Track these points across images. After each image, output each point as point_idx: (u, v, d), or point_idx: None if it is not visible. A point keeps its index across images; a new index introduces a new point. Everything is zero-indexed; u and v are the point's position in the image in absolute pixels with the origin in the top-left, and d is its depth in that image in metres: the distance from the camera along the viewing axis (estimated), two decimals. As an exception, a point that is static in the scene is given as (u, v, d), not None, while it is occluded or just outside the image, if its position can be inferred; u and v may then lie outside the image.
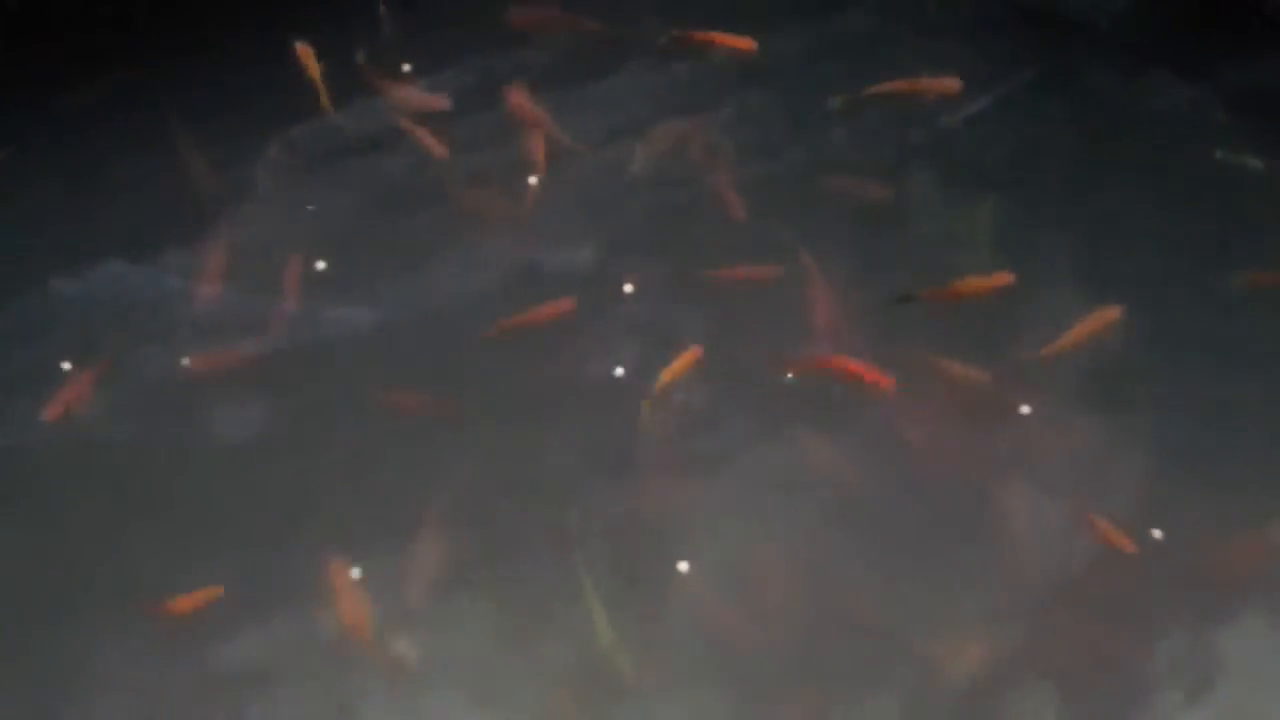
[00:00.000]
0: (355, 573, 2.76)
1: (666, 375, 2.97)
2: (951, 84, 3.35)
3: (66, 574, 2.76)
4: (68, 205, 3.24)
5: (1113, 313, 3.04)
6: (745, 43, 3.42)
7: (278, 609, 2.74)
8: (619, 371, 3.03)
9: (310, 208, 3.28)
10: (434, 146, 3.29)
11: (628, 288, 3.16)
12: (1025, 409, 2.97)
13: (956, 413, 2.98)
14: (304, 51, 3.36)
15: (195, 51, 3.41)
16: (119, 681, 2.67)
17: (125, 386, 2.99)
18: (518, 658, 2.71)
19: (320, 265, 3.15)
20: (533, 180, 3.30)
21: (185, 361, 3.02)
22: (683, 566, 2.81)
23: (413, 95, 3.43)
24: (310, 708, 2.66)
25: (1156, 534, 2.82)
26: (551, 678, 2.69)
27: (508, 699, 2.67)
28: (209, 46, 3.41)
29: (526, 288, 3.13)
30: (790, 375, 3.01)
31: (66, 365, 3.01)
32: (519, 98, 3.39)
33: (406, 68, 3.51)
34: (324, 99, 3.33)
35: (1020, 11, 3.59)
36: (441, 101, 3.40)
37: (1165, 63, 3.47)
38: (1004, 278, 3.04)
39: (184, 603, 2.71)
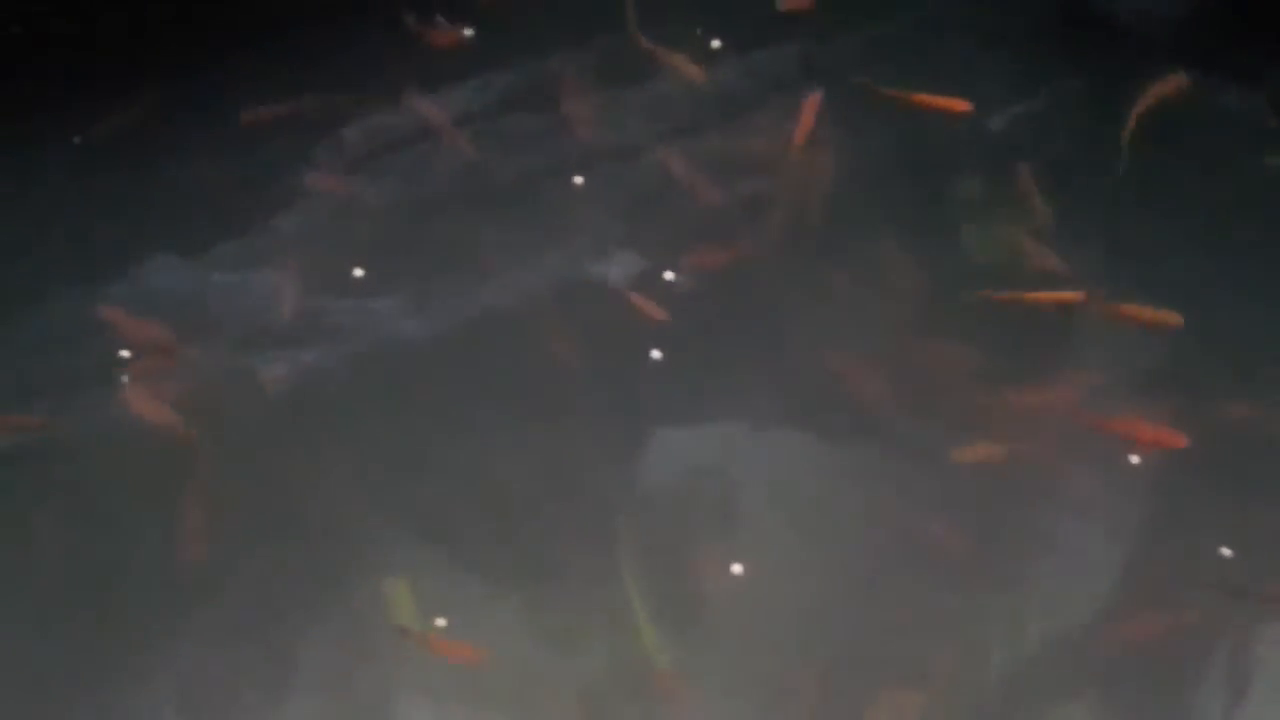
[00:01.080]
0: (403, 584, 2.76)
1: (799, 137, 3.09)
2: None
3: (109, 559, 2.77)
4: (118, 207, 3.25)
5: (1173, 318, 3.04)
6: (959, 104, 3.35)
7: (323, 611, 2.74)
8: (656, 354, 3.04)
9: (357, 209, 3.28)
10: (464, 147, 3.27)
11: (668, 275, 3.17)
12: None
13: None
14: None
15: (246, 50, 3.42)
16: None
17: (172, 386, 2.99)
18: (558, 663, 2.71)
19: (359, 271, 3.15)
20: (578, 180, 3.29)
21: (228, 365, 3.02)
22: (737, 569, 2.80)
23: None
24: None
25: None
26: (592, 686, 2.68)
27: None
28: (260, 46, 3.42)
29: (573, 289, 3.14)
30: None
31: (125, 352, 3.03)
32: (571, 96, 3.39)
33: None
34: None
35: (1069, 19, 3.59)
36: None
37: (1214, 69, 3.45)
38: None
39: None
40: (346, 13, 3.48)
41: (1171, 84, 3.36)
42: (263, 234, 3.22)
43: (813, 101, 3.34)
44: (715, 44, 3.52)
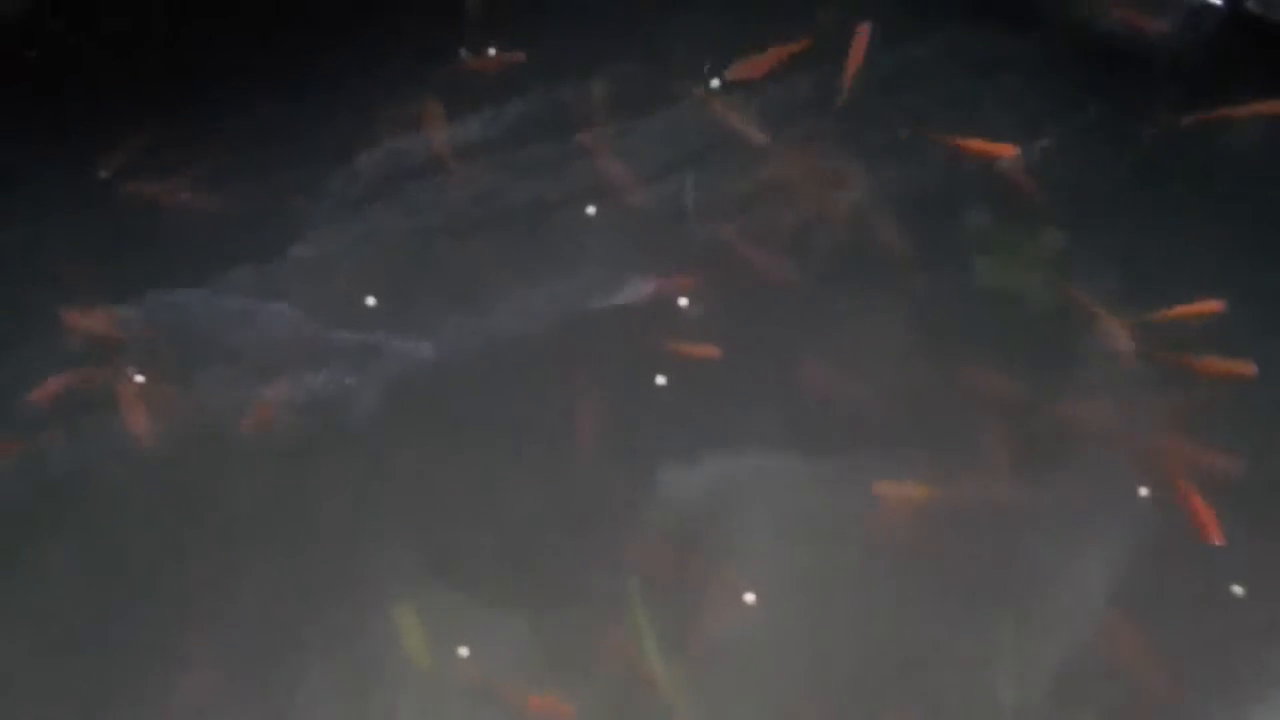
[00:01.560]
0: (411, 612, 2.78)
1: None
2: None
3: (122, 592, 2.79)
4: (134, 233, 3.28)
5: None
6: (1005, 149, 3.35)
7: (330, 639, 2.76)
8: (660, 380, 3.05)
9: (370, 237, 3.30)
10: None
11: (682, 301, 3.18)
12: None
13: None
14: None
15: (256, 81, 3.44)
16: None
17: (182, 413, 3.02)
18: (565, 691, 2.71)
19: (372, 299, 3.17)
20: (591, 210, 3.31)
21: (241, 391, 3.04)
22: (749, 598, 2.79)
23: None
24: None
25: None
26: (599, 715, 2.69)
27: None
28: (270, 76, 3.45)
29: (585, 317, 3.15)
30: None
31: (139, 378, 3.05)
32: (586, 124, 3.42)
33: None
34: None
35: (1082, 47, 3.58)
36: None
37: (1229, 102, 3.45)
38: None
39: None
40: (365, 42, 3.51)
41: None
42: (276, 262, 3.24)
43: (862, 37, 3.38)
44: (715, 83, 3.52)
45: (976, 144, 3.37)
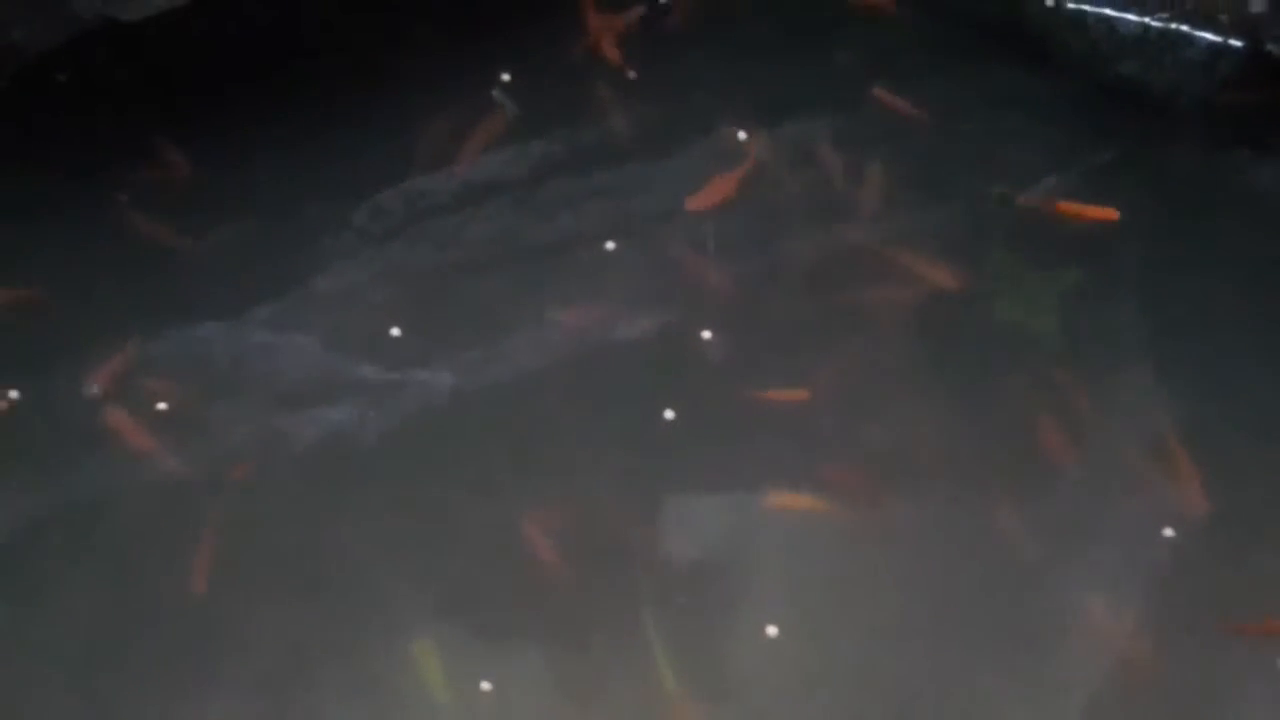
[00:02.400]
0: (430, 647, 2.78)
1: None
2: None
3: (139, 625, 2.80)
4: (154, 267, 3.30)
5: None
6: (1107, 213, 3.33)
7: (349, 674, 2.76)
8: (669, 414, 3.06)
9: (392, 271, 3.32)
10: None
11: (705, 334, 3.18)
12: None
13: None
14: None
15: (281, 117, 3.48)
16: None
17: (203, 445, 3.03)
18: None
19: (395, 331, 3.18)
20: (610, 245, 3.33)
21: (265, 423, 3.05)
22: (772, 631, 2.80)
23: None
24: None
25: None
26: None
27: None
28: (295, 112, 3.48)
29: (606, 352, 3.17)
30: None
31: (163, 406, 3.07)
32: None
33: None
34: None
35: (1097, 89, 3.60)
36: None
37: (1248, 143, 3.47)
38: None
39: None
40: (391, 78, 3.55)
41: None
42: (298, 295, 3.25)
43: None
44: (741, 135, 3.54)
45: (1075, 208, 3.35)
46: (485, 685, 2.74)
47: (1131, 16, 3.61)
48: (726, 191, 3.40)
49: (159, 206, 3.36)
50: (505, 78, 3.63)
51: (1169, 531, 2.92)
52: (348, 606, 2.83)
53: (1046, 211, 3.35)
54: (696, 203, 3.38)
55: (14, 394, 3.08)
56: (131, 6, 3.24)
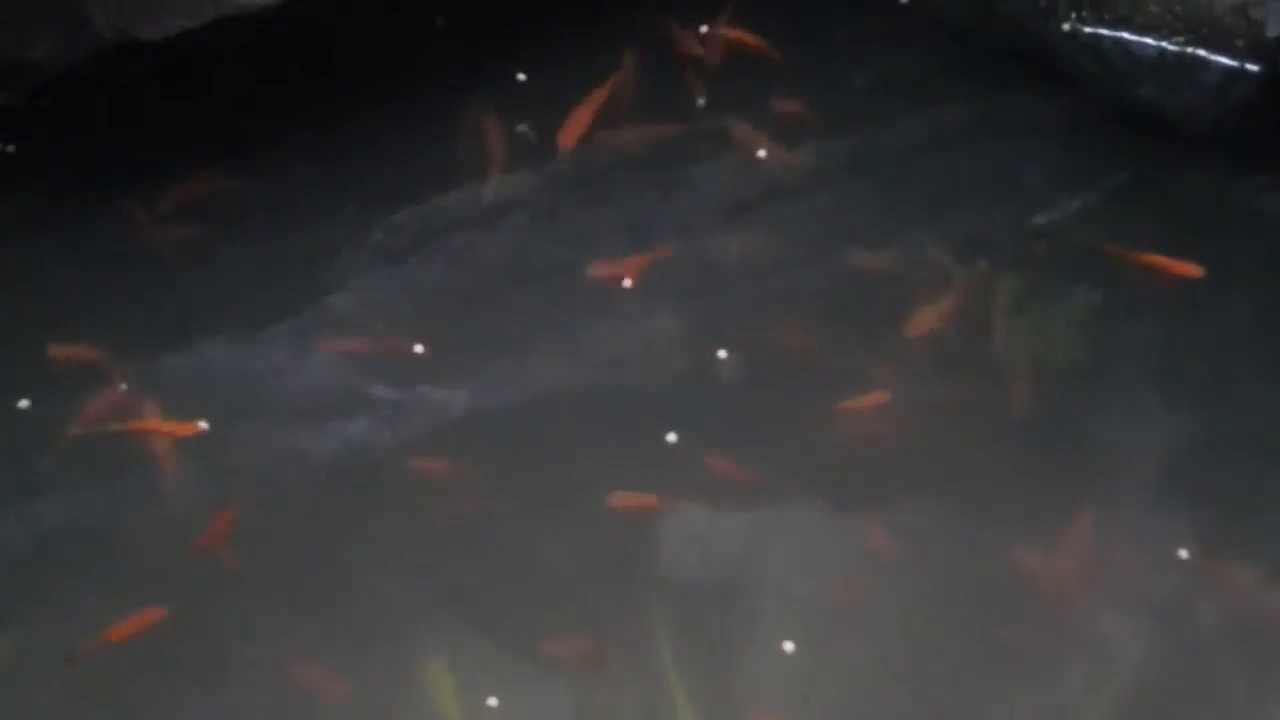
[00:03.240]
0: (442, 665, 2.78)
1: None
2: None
3: (153, 641, 2.79)
4: (173, 284, 3.32)
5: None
6: (1190, 269, 3.28)
7: (362, 687, 2.76)
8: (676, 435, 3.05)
9: (409, 290, 3.34)
10: None
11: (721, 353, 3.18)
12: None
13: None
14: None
15: (301, 135, 3.50)
16: None
17: (217, 460, 3.03)
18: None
19: (411, 349, 3.19)
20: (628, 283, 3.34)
21: (281, 441, 3.07)
22: (788, 646, 2.79)
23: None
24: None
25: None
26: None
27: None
28: (314, 130, 3.51)
29: (618, 372, 3.18)
30: None
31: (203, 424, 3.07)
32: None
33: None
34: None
35: (1114, 113, 3.60)
36: None
37: (1263, 166, 3.47)
38: None
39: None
40: (408, 97, 3.57)
41: None
42: (316, 313, 3.27)
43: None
44: (761, 154, 3.55)
45: (1158, 260, 3.31)
46: (492, 701, 2.74)
47: (1148, 41, 3.61)
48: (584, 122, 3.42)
49: (176, 223, 3.38)
50: (521, 76, 3.66)
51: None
52: (360, 623, 2.83)
53: (1126, 260, 3.32)
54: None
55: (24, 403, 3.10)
56: (151, 25, 3.26)
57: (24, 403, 3.10)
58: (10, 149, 3.47)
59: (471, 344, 3.22)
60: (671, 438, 3.06)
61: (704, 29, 3.72)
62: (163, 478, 3.01)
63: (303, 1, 3.35)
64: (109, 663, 2.77)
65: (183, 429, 3.04)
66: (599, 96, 3.53)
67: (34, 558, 2.91)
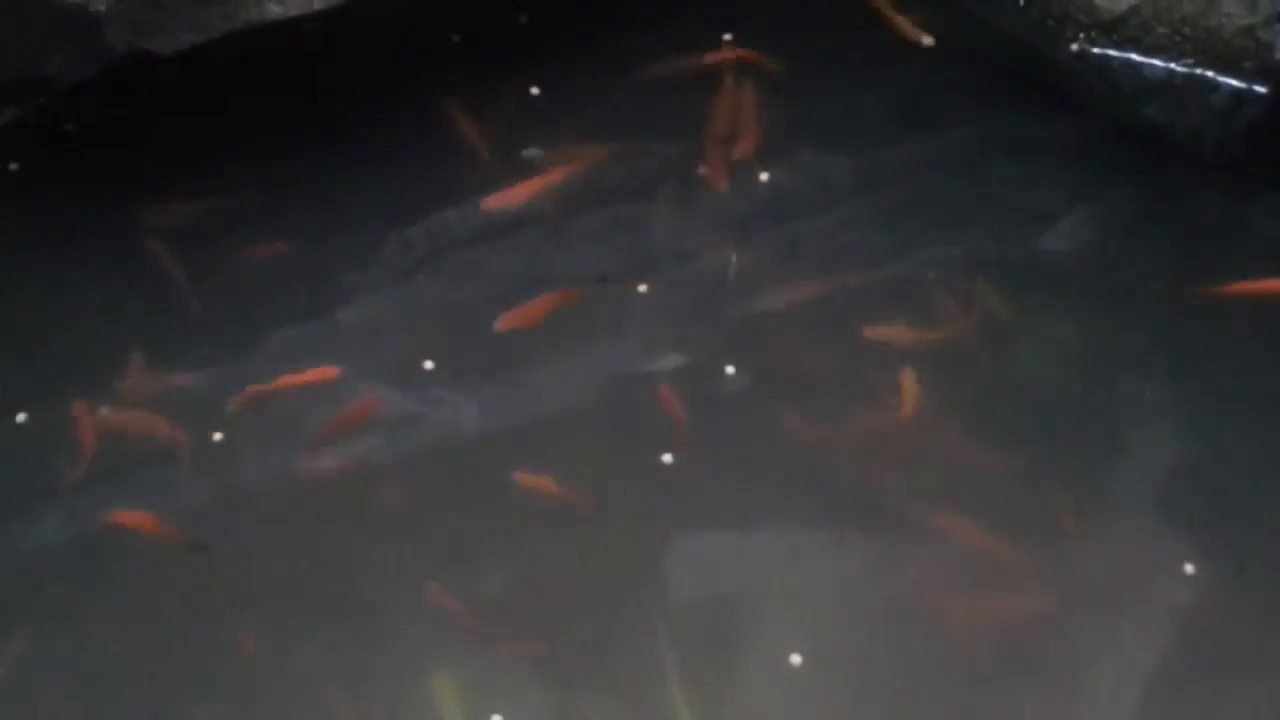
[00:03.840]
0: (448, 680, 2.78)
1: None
2: None
3: (158, 654, 2.81)
4: (183, 300, 3.33)
5: None
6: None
7: (367, 702, 2.77)
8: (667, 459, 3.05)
9: (418, 304, 3.35)
10: None
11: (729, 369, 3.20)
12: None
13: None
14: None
15: (310, 151, 3.52)
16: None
17: (224, 481, 3.05)
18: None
19: (418, 364, 3.20)
20: (642, 288, 3.35)
21: (290, 460, 3.08)
22: (795, 659, 2.79)
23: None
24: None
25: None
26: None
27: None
28: (323, 146, 3.53)
29: (628, 387, 3.18)
30: None
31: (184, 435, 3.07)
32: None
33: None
34: None
35: (1122, 133, 3.61)
36: None
37: (1270, 189, 3.47)
38: None
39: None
40: (418, 113, 3.59)
41: None
42: (325, 328, 3.28)
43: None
44: (763, 177, 3.55)
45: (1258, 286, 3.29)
46: (499, 718, 2.74)
47: (1157, 62, 3.61)
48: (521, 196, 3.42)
49: (184, 236, 3.40)
50: (534, 90, 3.67)
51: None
52: (366, 637, 2.84)
53: (1216, 295, 3.30)
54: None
55: (21, 417, 3.11)
56: (163, 39, 3.28)
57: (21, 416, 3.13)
58: (21, 162, 3.49)
59: (480, 359, 3.23)
60: (667, 458, 3.07)
61: (727, 36, 3.74)
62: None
63: (315, 17, 3.37)
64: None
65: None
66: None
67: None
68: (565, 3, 3.76)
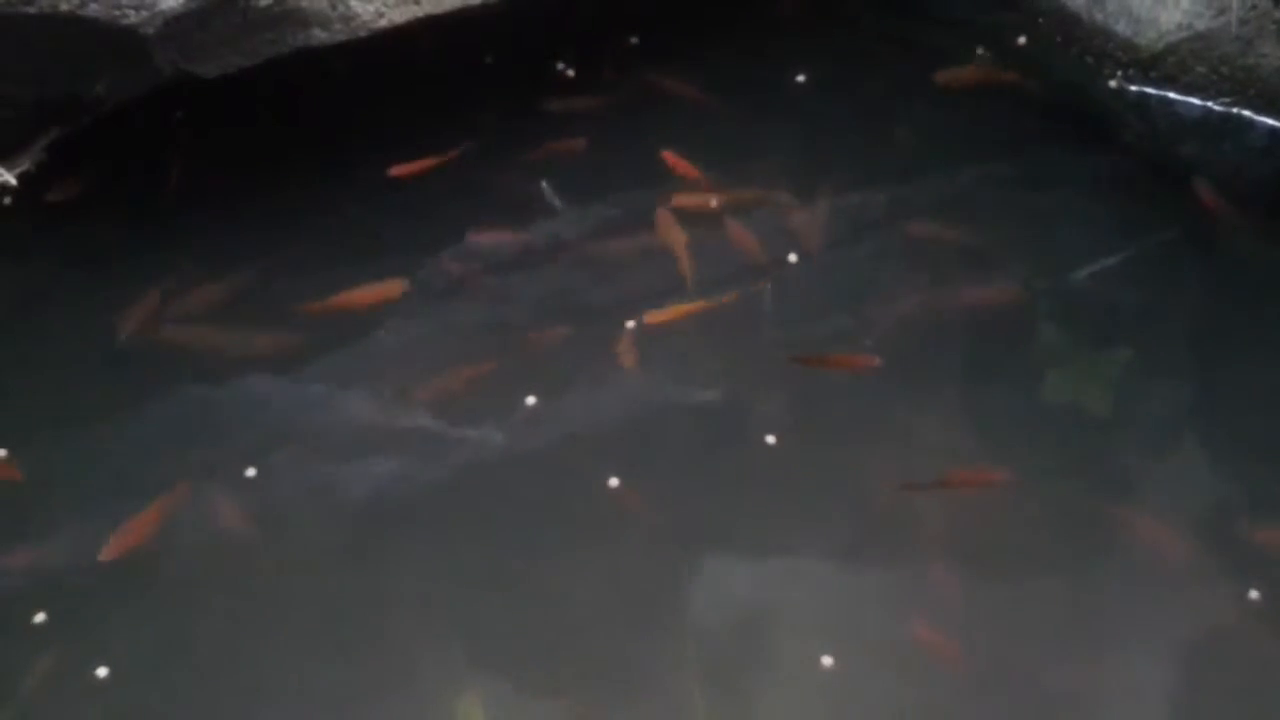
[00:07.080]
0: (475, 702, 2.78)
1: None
2: None
3: (186, 681, 2.82)
4: (219, 314, 3.38)
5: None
6: None
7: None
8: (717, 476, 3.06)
9: (451, 328, 3.38)
10: None
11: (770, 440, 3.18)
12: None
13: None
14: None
15: (346, 179, 3.58)
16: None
17: (256, 496, 3.07)
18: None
19: (450, 387, 3.23)
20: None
21: (316, 475, 3.10)
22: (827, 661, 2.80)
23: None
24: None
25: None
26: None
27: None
28: (358, 174, 3.58)
29: (654, 414, 3.20)
30: None
31: (251, 472, 3.10)
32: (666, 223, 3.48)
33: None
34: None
35: (1158, 171, 3.61)
36: None
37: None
38: None
39: None
40: (450, 141, 3.62)
41: None
42: (357, 351, 3.31)
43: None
44: (783, 197, 3.58)
45: None
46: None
47: (1194, 100, 3.62)
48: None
49: (222, 254, 3.45)
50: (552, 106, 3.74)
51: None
52: (392, 658, 2.85)
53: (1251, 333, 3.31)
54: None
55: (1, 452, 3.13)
56: (209, 64, 3.34)
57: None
58: (66, 179, 3.55)
59: (509, 383, 3.23)
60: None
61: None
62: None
63: (360, 40, 3.41)
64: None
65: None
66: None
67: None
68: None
